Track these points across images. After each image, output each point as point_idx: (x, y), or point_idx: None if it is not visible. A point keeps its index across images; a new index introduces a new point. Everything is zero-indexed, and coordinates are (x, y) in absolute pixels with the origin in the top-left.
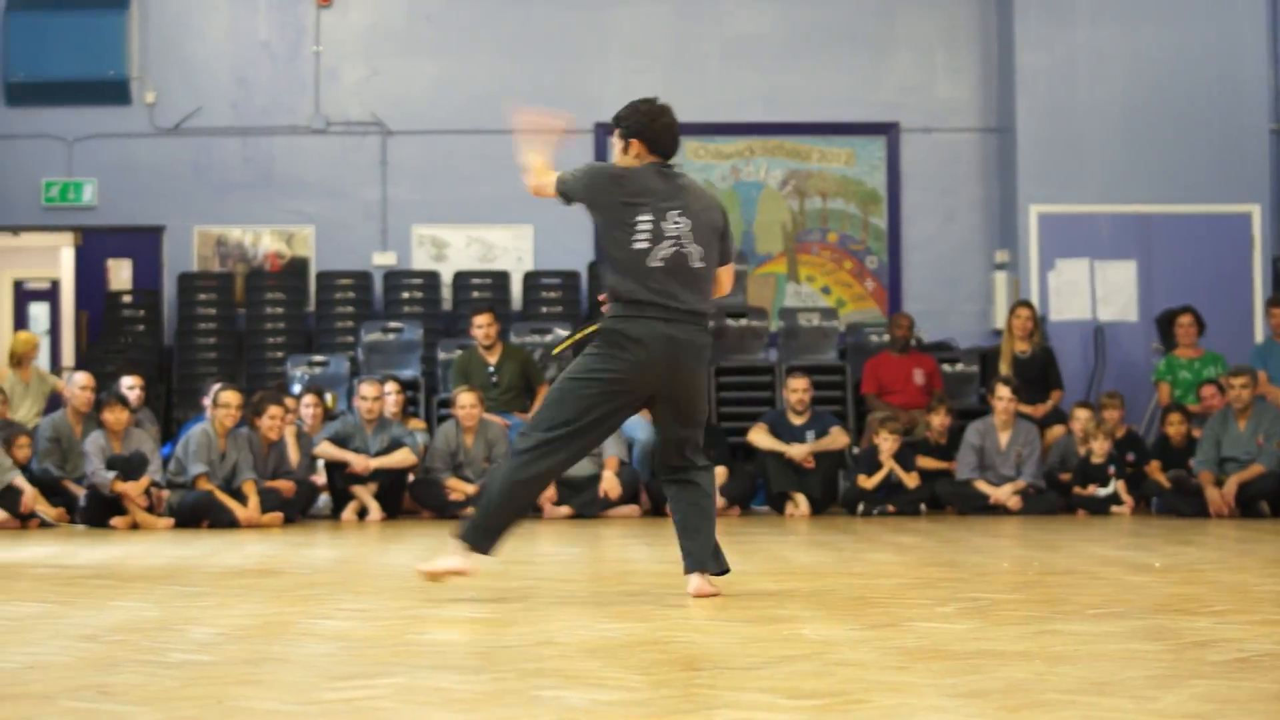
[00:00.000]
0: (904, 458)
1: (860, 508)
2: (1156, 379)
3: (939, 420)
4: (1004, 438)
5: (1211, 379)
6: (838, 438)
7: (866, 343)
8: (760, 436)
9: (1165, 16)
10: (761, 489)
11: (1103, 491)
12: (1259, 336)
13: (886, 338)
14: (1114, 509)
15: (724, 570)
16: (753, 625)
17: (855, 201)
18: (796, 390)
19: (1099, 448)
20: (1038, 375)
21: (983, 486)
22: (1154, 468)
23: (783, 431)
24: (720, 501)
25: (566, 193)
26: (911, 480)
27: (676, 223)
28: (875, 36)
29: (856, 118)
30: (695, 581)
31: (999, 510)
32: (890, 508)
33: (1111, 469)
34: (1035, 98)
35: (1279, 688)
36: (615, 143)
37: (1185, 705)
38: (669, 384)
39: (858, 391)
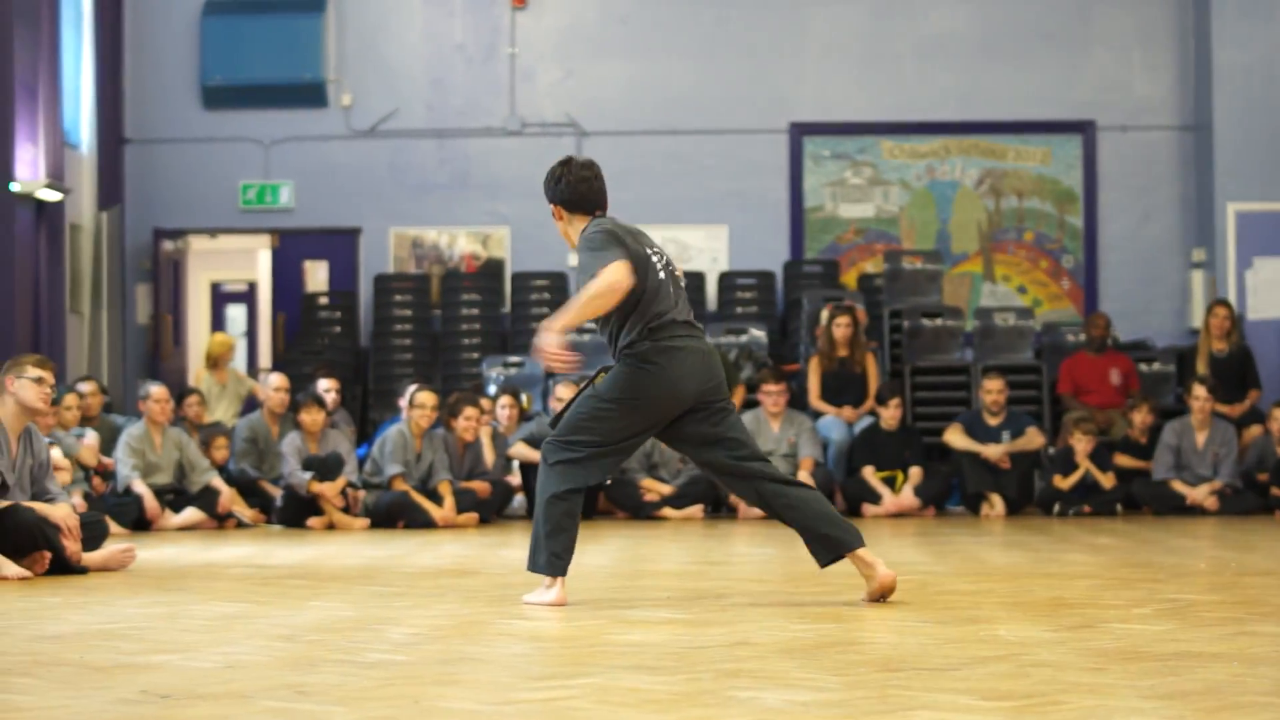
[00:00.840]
0: (1100, 458)
1: (1056, 508)
2: None
3: (1141, 418)
4: (1201, 437)
5: None
6: (1033, 438)
7: (1062, 342)
8: (956, 437)
9: None
10: (957, 489)
11: None
12: None
13: (1083, 337)
14: None
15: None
16: (948, 626)
17: (1051, 200)
18: (992, 390)
19: None
20: (1235, 374)
21: (1179, 487)
22: None
23: (978, 432)
24: (915, 502)
25: (625, 258)
26: (1107, 481)
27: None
28: (1071, 34)
29: (1052, 116)
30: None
31: (1196, 511)
32: (1086, 508)
33: None
34: (1233, 95)
35: None
36: (556, 213)
37: None
38: (710, 393)
39: (1053, 391)
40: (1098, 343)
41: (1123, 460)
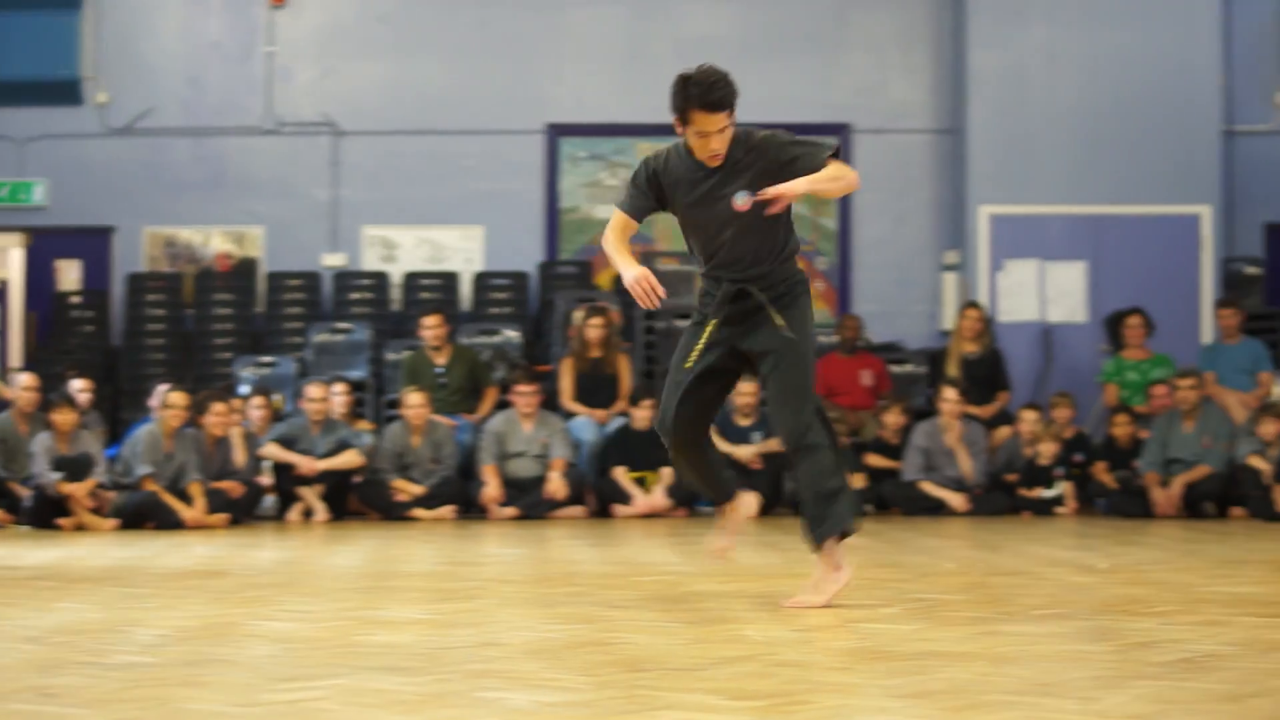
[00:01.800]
0: (851, 458)
1: None
2: (1104, 380)
3: (892, 419)
4: (950, 439)
5: (1159, 380)
6: None
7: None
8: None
9: (1118, 19)
10: None
11: (1049, 493)
12: (1207, 338)
13: (835, 339)
14: (1059, 510)
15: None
16: (697, 626)
17: (805, 202)
18: (743, 393)
19: (1046, 449)
20: (985, 376)
21: (929, 488)
22: (1100, 469)
23: (729, 433)
24: (667, 502)
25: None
26: (858, 481)
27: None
28: (829, 37)
29: (809, 119)
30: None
31: (945, 511)
32: None
33: (1058, 470)
34: (987, 99)
35: (1223, 688)
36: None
37: (1128, 706)
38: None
39: None
40: (849, 344)
41: (874, 461)
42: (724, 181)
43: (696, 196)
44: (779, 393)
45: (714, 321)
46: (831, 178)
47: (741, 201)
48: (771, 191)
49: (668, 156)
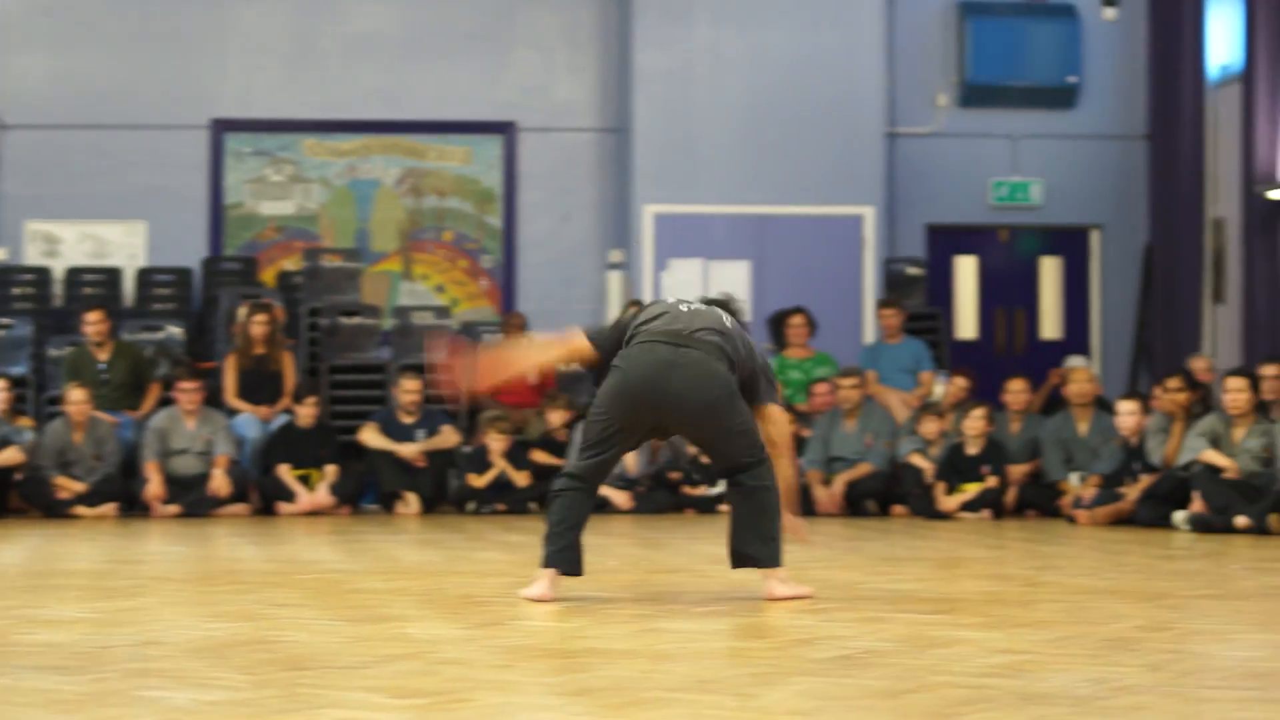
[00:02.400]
0: (516, 456)
1: (471, 506)
2: None
3: (558, 416)
4: None
5: (821, 379)
6: (448, 436)
7: (479, 341)
8: (371, 435)
9: (784, 20)
10: (372, 488)
11: (712, 490)
12: (869, 337)
13: (500, 336)
14: (721, 508)
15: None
16: (360, 624)
17: (471, 200)
18: (408, 390)
19: None
20: None
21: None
22: None
23: (394, 430)
24: (331, 500)
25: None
26: (522, 479)
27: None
28: (495, 36)
29: (474, 116)
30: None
31: (609, 509)
32: (500, 506)
33: None
34: (652, 99)
35: (881, 684)
36: None
37: (787, 702)
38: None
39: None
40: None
41: (540, 458)
42: None
43: None
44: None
45: None
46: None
47: None
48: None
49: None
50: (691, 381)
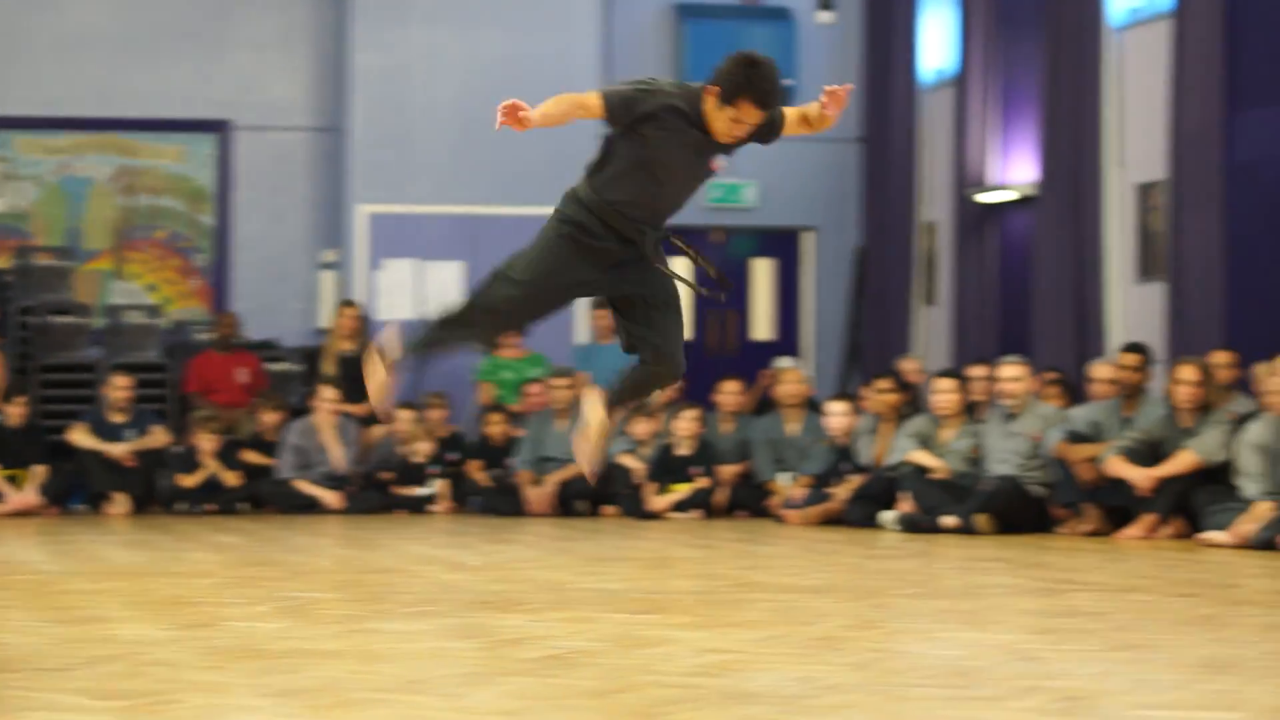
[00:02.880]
0: (226, 456)
1: (181, 507)
2: (479, 379)
3: (269, 417)
4: (326, 438)
5: (534, 379)
6: (158, 436)
7: (191, 341)
8: (80, 435)
9: (500, 22)
10: (81, 488)
11: (423, 491)
12: (582, 338)
13: (211, 336)
14: (433, 508)
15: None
16: (66, 626)
17: (184, 199)
18: (118, 388)
19: (421, 448)
20: (360, 374)
21: (304, 486)
22: (474, 467)
23: (103, 430)
24: (39, 500)
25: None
26: (232, 479)
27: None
28: (211, 34)
29: (189, 114)
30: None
31: (320, 509)
32: (210, 506)
33: (433, 468)
34: (368, 99)
35: (589, 684)
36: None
37: (495, 702)
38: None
39: (181, 390)
40: (225, 341)
41: (250, 458)
42: (709, 146)
43: (674, 140)
44: (674, 332)
45: (599, 252)
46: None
47: (720, 164)
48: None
49: (671, 93)
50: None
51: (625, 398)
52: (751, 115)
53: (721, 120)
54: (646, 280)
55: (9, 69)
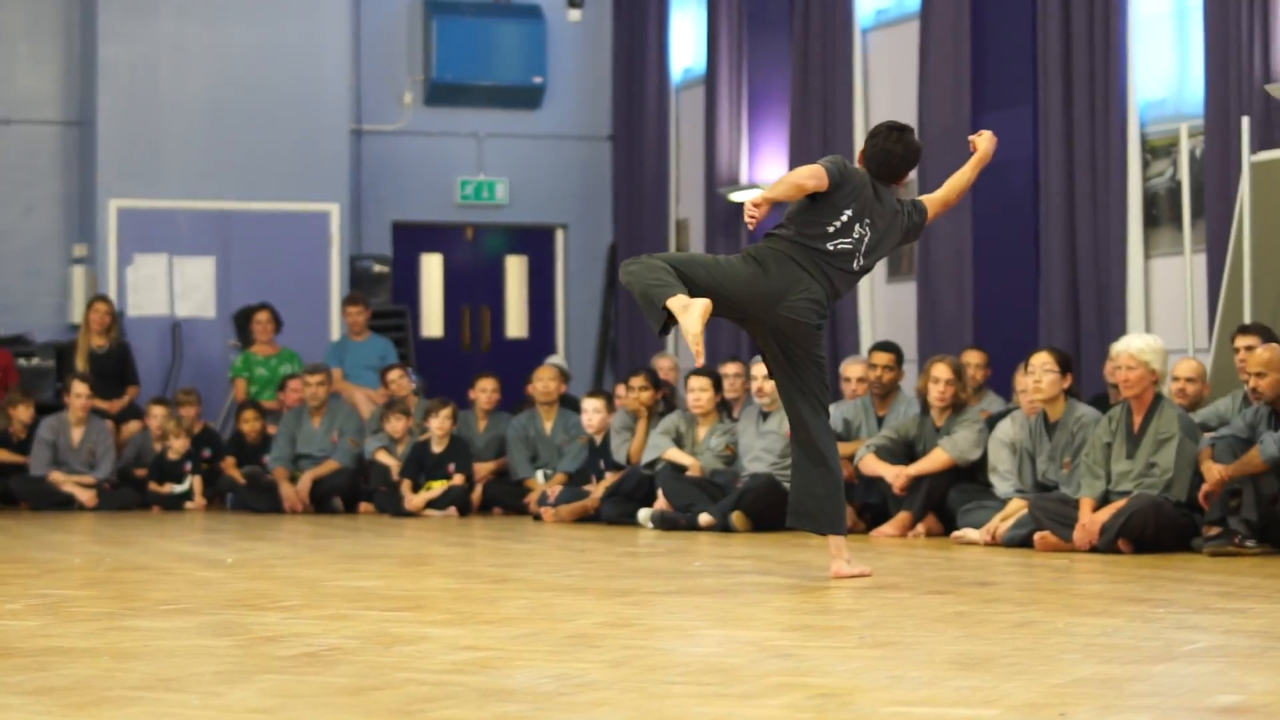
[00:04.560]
0: None
1: None
2: (233, 375)
3: (21, 413)
4: (78, 433)
5: (288, 375)
6: None
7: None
8: None
9: (248, 15)
10: None
11: (178, 488)
12: (335, 334)
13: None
14: (188, 505)
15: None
16: None
17: None
18: None
19: (176, 444)
20: (115, 370)
21: (57, 481)
22: (229, 464)
23: None
24: None
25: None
26: None
27: (863, 232)
28: None
29: None
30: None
31: (74, 506)
32: None
33: (188, 465)
34: (117, 92)
35: (346, 681)
36: None
37: (252, 700)
38: (786, 326)
39: None
40: None
41: (1, 456)
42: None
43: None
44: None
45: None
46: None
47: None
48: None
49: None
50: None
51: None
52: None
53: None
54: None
55: None
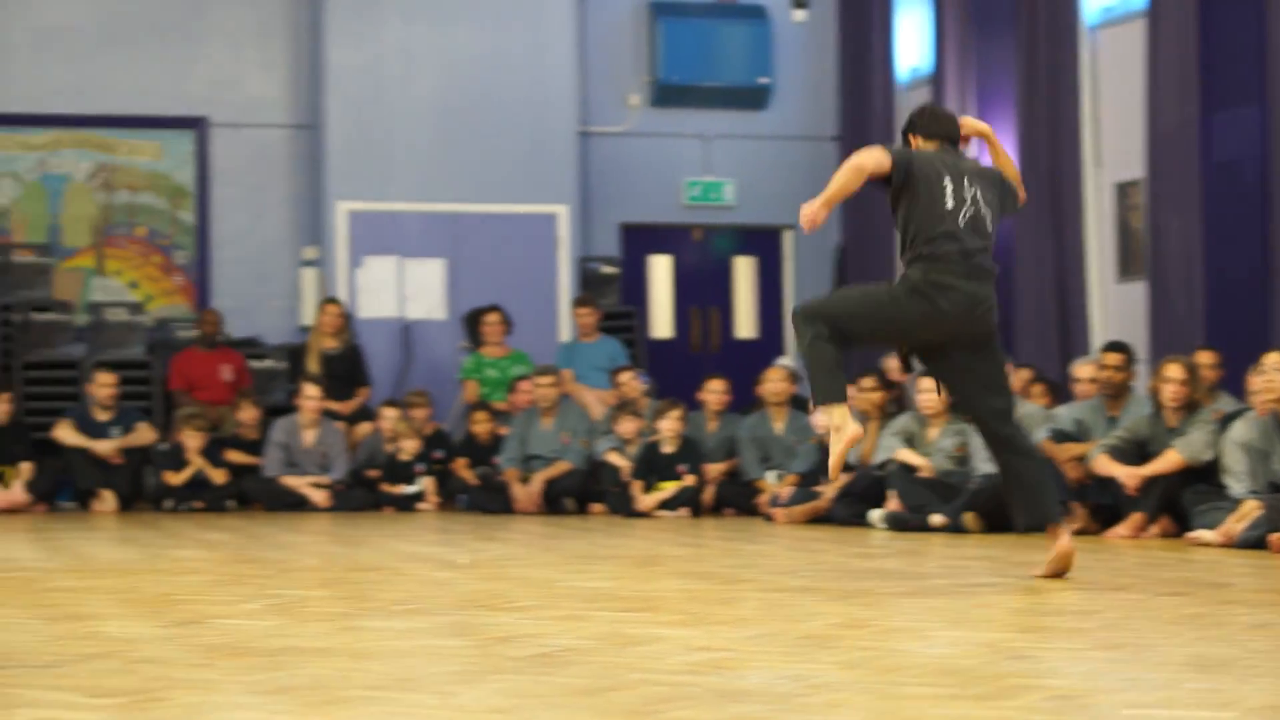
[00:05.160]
0: (212, 454)
1: (168, 504)
2: (463, 377)
3: (248, 415)
4: (310, 435)
5: (519, 377)
6: (144, 433)
7: (174, 338)
8: (65, 432)
9: (475, 18)
10: (68, 485)
11: (410, 489)
12: (565, 336)
13: (194, 333)
14: (421, 506)
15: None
16: (56, 623)
17: (164, 196)
18: (103, 385)
19: (407, 445)
20: (345, 372)
21: (290, 482)
22: (461, 465)
23: (88, 427)
24: (26, 498)
25: (899, 163)
26: (219, 476)
27: (972, 189)
28: (186, 29)
29: (165, 111)
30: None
31: (308, 506)
32: (198, 504)
33: (419, 466)
34: (345, 95)
35: (580, 682)
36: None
37: (487, 700)
38: (967, 338)
39: (165, 387)
40: (209, 339)
41: (235, 456)
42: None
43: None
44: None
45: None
46: (834, 176)
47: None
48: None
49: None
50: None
51: None
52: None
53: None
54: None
55: None
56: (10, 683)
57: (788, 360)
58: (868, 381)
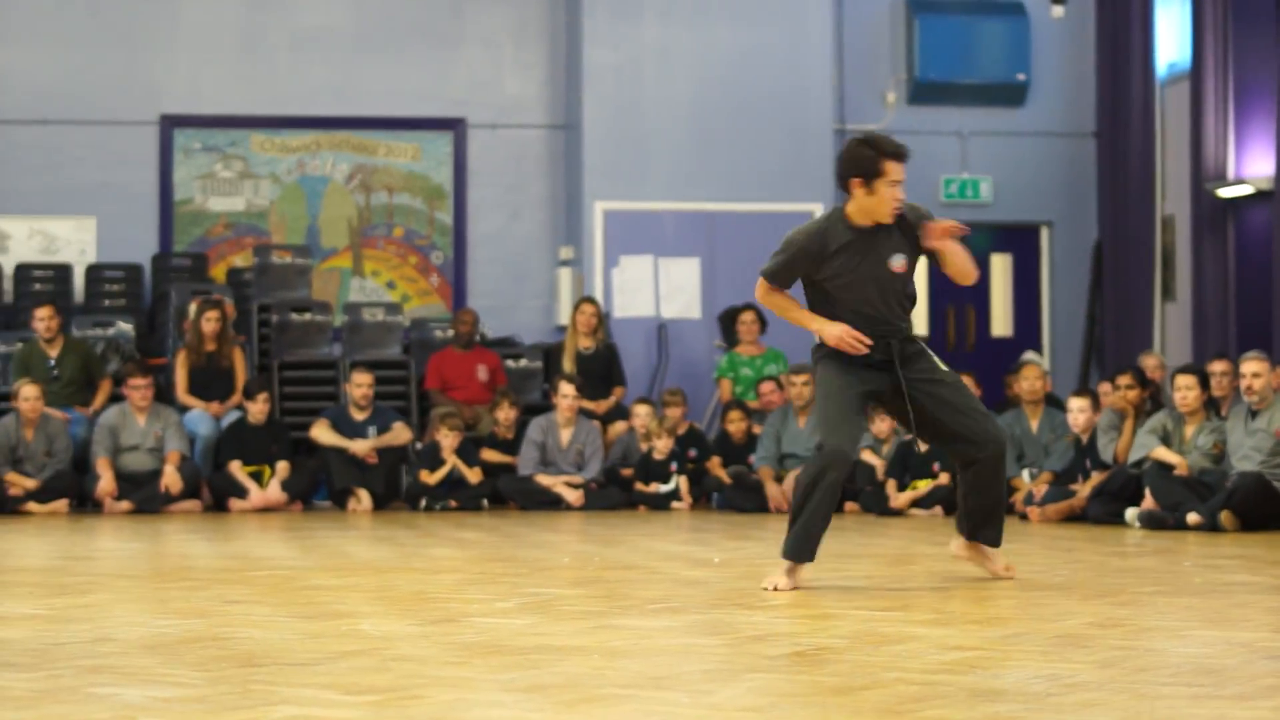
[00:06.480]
0: (466, 453)
1: (423, 503)
2: (718, 376)
3: (505, 414)
4: (566, 434)
5: (772, 376)
6: (400, 433)
7: (431, 338)
8: (322, 432)
9: (732, 17)
10: (324, 484)
11: (664, 488)
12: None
13: (451, 333)
14: (675, 505)
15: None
16: (313, 621)
17: (421, 197)
18: (360, 385)
19: (661, 444)
20: (601, 371)
21: (545, 481)
22: (715, 464)
23: (345, 427)
24: (283, 496)
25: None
26: (474, 476)
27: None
28: (444, 31)
29: (423, 112)
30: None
31: (562, 505)
32: (453, 503)
33: (673, 465)
34: (602, 95)
35: (834, 680)
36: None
37: (741, 699)
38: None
39: (421, 386)
40: (465, 339)
41: (490, 455)
42: (872, 243)
43: (852, 258)
44: (969, 406)
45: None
46: (968, 259)
47: (897, 264)
48: (943, 226)
49: (824, 230)
50: None
51: (976, 518)
52: (897, 172)
53: (885, 195)
54: (914, 367)
55: (245, 68)
56: (269, 680)
57: (1032, 355)
58: (1124, 379)
